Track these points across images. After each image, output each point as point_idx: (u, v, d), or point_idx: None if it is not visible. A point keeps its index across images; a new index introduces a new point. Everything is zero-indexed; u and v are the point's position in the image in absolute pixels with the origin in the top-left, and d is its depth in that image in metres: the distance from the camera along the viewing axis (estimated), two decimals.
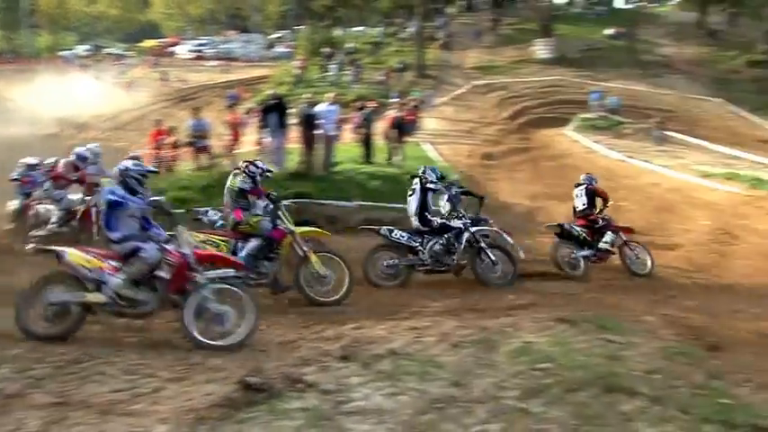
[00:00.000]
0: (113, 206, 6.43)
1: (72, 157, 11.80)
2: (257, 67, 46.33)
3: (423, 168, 10.63)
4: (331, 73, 37.97)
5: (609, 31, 45.21)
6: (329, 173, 16.37)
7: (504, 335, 6.28)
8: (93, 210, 10.88)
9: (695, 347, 6.71)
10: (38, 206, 11.54)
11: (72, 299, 6.26)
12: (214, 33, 63.60)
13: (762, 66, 40.45)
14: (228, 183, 8.87)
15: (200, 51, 53.65)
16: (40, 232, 10.96)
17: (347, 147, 20.31)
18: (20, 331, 6.12)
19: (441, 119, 31.38)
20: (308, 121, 15.87)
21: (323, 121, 16.34)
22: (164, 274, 6.28)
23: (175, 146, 17.48)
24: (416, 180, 10.38)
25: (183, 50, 54.70)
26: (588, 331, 6.45)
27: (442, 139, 26.89)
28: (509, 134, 29.90)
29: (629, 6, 53.78)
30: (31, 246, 10.12)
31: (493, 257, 9.94)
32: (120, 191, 6.55)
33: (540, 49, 41.24)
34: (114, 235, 6.44)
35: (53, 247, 6.57)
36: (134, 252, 6.31)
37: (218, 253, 7.70)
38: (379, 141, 20.04)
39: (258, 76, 42.23)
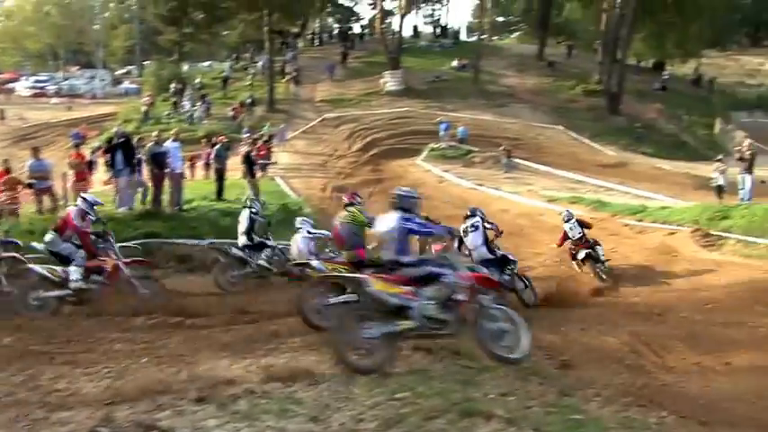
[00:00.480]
0: None
1: None
2: (103, 104, 45.60)
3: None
4: (180, 109, 38.00)
5: (455, 63, 48.11)
6: (180, 211, 16.52)
7: None
8: None
9: (548, 367, 7.29)
10: None
11: (389, 329, 6.36)
12: (55, 69, 61.94)
13: (597, 95, 44.42)
14: (349, 218, 9.01)
15: (41, 88, 52.23)
16: None
17: (199, 184, 20.47)
18: (344, 368, 6.20)
19: (293, 153, 32.13)
20: (156, 159, 15.98)
21: (170, 159, 16.40)
22: (460, 296, 6.60)
23: (14, 188, 16.55)
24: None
25: (23, 87, 53.01)
26: (444, 358, 6.81)
27: (295, 174, 27.49)
28: (361, 166, 31.08)
29: (473, 39, 57.80)
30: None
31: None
32: None
33: (389, 81, 43.01)
34: (406, 259, 6.80)
35: (354, 275, 7.12)
36: (434, 276, 6.63)
37: (487, 275, 8.18)
38: (233, 177, 20.21)
39: (104, 113, 41.58)
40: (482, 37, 53.02)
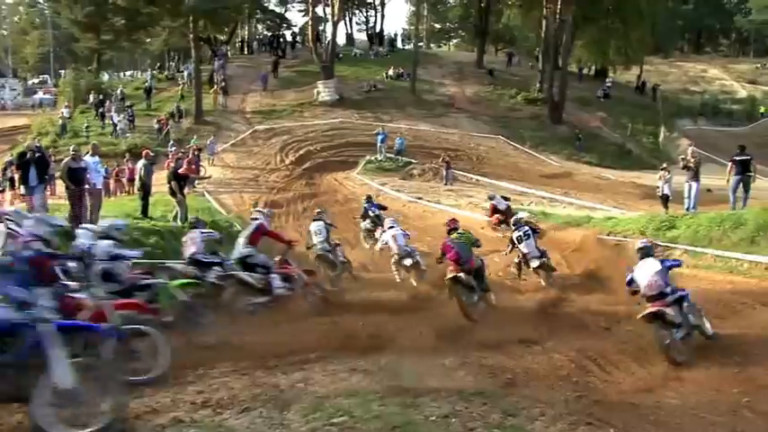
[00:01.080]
0: None
1: None
2: (14, 116, 44.57)
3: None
4: (108, 120, 37.71)
5: (390, 72, 48.99)
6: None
7: (297, 391, 6.48)
8: None
9: (492, 386, 7.27)
10: None
11: None
12: None
13: (538, 103, 46.04)
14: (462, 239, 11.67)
15: None
16: None
17: (121, 201, 20.86)
18: None
19: (223, 167, 32.47)
20: (74, 176, 15.43)
21: (89, 174, 16.07)
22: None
23: None
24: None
25: None
26: (383, 380, 6.82)
27: (225, 189, 27.87)
28: (295, 180, 31.57)
29: (410, 47, 59.25)
30: None
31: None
32: None
33: (323, 91, 43.47)
34: None
35: None
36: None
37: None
38: (159, 193, 19.97)
39: (15, 125, 40.60)
40: (419, 44, 54.62)
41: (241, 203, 25.84)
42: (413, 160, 34.15)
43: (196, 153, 26.47)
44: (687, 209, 18.64)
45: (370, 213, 19.87)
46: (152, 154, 19.81)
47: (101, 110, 39.19)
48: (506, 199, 20.36)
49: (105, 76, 49.37)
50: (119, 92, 43.84)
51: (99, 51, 48.12)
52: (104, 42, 47.51)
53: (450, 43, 75.87)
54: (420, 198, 25.84)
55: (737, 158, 18.09)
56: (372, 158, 33.82)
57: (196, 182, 24.62)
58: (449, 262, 11.81)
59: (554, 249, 15.46)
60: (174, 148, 29.14)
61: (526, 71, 53.56)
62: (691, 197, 18.86)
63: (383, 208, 20.28)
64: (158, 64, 54.07)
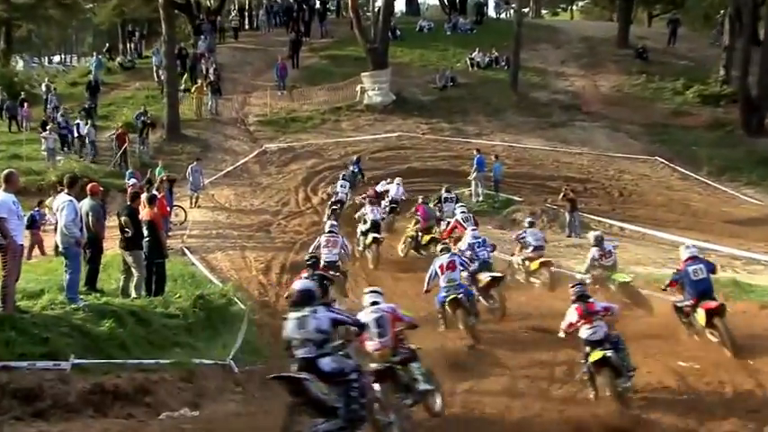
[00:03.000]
0: None
1: None
2: None
3: None
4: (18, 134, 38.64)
5: (477, 57, 49.85)
6: (18, 312, 16.65)
7: None
8: None
9: None
10: None
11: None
12: None
13: (721, 103, 46.24)
14: None
15: None
16: None
17: (52, 264, 20.98)
18: None
19: (214, 209, 32.93)
20: None
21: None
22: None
23: None
24: None
25: None
26: None
27: (217, 243, 27.88)
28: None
29: (507, 16, 59.10)
30: None
31: None
32: None
33: (370, 88, 44.06)
34: None
35: None
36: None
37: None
38: (111, 251, 20.06)
39: None
40: (523, 12, 54.58)
41: (243, 267, 25.86)
42: (515, 197, 34.35)
43: (166, 186, 26.74)
44: None
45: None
46: (101, 189, 19.77)
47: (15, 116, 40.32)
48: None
49: (19, 63, 50.20)
50: (44, 88, 44.89)
51: (9, 23, 49.20)
52: (18, 9, 48.60)
53: (575, 8, 76.51)
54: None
55: None
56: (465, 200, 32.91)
57: (169, 231, 24.97)
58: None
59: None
60: (132, 181, 29.32)
61: (701, 50, 53.54)
62: None
63: None
64: (108, 45, 54.86)
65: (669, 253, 26.06)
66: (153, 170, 33.06)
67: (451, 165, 35.87)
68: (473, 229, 21.37)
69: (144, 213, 19.23)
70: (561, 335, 13.91)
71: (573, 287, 14.29)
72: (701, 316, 14.86)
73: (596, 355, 13.01)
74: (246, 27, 58.74)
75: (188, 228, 28.39)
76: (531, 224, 24.21)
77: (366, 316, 12.70)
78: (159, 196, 22.22)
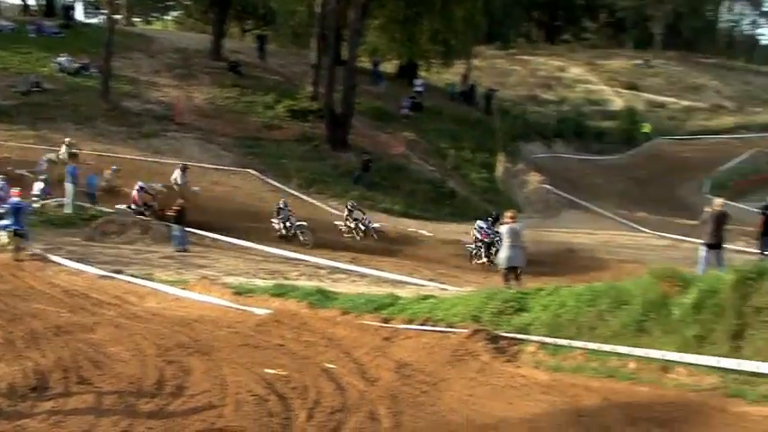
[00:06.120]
0: None
1: None
2: None
3: None
4: None
5: (65, 61, 48.59)
6: None
7: None
8: None
9: None
10: None
11: None
12: None
13: (309, 118, 48.16)
14: None
15: None
16: None
17: None
18: None
19: None
20: None
21: None
22: None
23: None
24: None
25: None
26: None
27: None
28: None
29: (98, 21, 58.74)
30: None
31: None
32: None
33: None
34: None
35: None
36: None
37: None
38: None
39: None
40: (114, 17, 54.06)
41: None
42: (106, 209, 33.59)
43: None
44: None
45: None
46: None
47: None
48: None
49: None
50: None
51: None
52: None
53: (169, 18, 76.74)
54: (119, 271, 24.82)
55: None
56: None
57: None
58: None
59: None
60: None
61: (291, 66, 55.58)
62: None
63: None
64: None
65: (262, 263, 27.84)
66: None
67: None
68: None
69: None
70: None
71: None
72: None
73: None
74: None
75: None
76: None
77: None
78: None
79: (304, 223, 33.22)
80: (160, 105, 48.11)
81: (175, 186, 36.04)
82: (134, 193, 33.30)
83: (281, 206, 33.61)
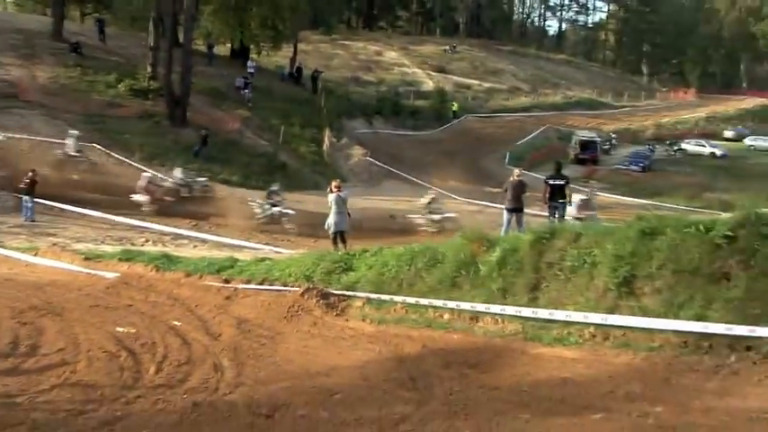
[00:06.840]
0: None
1: None
2: None
3: None
4: None
5: None
6: None
7: None
8: None
9: None
10: None
11: None
12: None
13: (150, 96, 50.57)
14: None
15: None
16: None
17: None
18: None
19: None
20: None
21: None
22: None
23: None
24: None
25: None
26: None
27: None
28: None
29: None
30: None
31: None
32: None
33: None
34: None
35: None
36: None
37: None
38: None
39: None
40: None
41: None
42: None
43: None
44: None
45: None
46: None
47: None
48: None
49: None
50: None
51: None
52: None
53: (8, 0, 77.37)
54: None
55: (552, 182, 23.82)
56: None
57: None
58: None
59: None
60: None
61: (131, 48, 57.47)
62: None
63: None
64: None
65: (111, 231, 29.84)
66: None
67: None
68: None
69: None
70: None
71: None
72: None
73: None
74: None
75: None
76: None
77: None
78: None
79: (290, 211, 33.80)
80: (4, 84, 48.52)
81: None
82: None
83: (274, 189, 34.63)
